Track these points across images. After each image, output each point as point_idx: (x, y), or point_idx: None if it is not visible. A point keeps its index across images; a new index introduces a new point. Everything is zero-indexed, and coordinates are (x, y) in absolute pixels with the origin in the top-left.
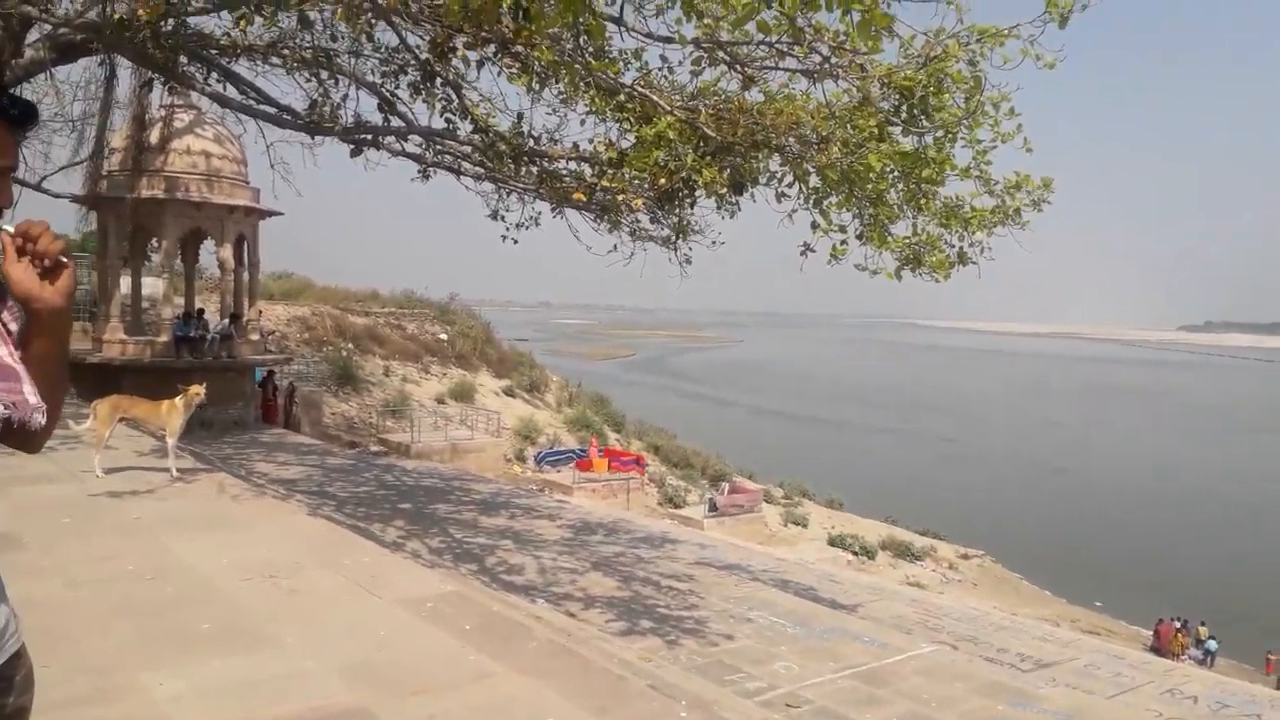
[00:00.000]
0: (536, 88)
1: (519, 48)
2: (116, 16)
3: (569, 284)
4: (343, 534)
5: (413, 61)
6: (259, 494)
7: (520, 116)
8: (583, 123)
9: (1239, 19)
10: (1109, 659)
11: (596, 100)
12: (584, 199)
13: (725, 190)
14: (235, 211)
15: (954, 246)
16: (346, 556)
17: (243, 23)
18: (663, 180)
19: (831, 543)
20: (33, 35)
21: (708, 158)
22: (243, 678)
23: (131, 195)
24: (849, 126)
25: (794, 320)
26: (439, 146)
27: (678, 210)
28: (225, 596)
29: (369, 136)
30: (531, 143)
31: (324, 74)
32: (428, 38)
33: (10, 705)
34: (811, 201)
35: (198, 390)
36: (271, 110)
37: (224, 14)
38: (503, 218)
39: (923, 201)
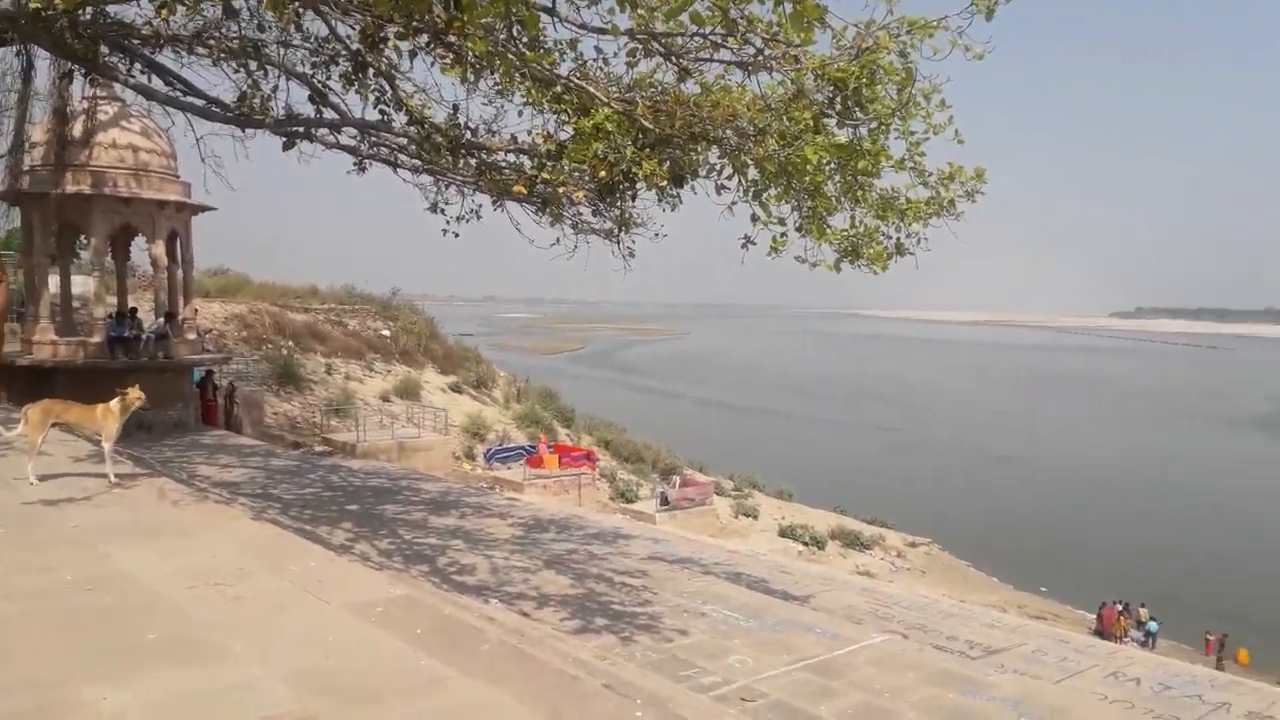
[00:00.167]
0: (471, 79)
1: (452, 38)
2: (32, 5)
3: (513, 278)
4: (288, 538)
5: (343, 52)
6: (201, 498)
7: (456, 108)
8: (520, 114)
9: (1163, 7)
10: (1055, 644)
11: (533, 92)
12: (524, 191)
13: (666, 183)
14: (166, 207)
15: (891, 238)
16: (293, 561)
17: (165, 11)
18: (603, 173)
19: (782, 533)
20: None
21: (647, 150)
22: (190, 689)
23: (56, 191)
24: (785, 118)
25: (737, 312)
26: (374, 138)
27: (619, 203)
28: (169, 605)
29: (301, 129)
30: (469, 134)
31: (252, 64)
32: (358, 27)
33: None
34: (751, 194)
35: (137, 395)
36: (199, 102)
37: (145, 2)
38: (442, 211)
39: (859, 193)
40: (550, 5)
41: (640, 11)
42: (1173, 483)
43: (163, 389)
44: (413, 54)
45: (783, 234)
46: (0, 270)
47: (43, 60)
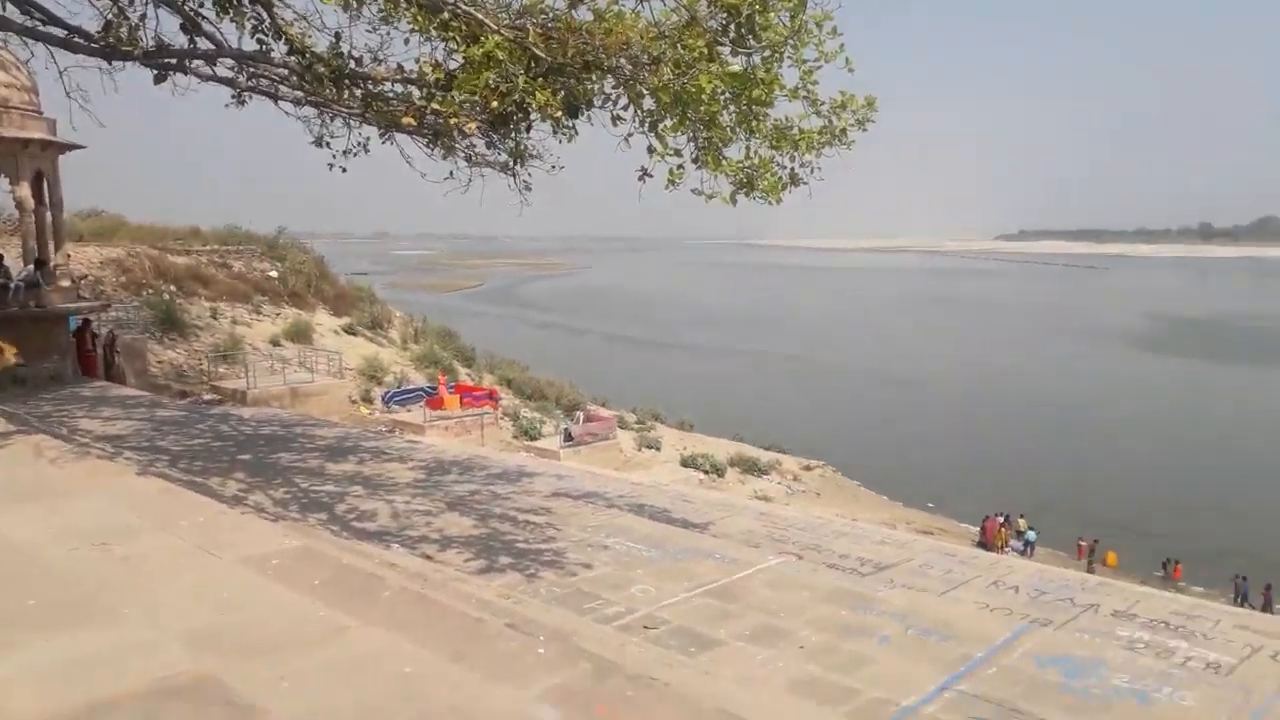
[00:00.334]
0: (354, 5)
1: None
2: None
3: (407, 213)
4: (178, 492)
5: None
6: (82, 454)
7: (338, 36)
8: (406, 42)
9: None
10: (941, 557)
11: (419, 18)
12: (414, 123)
13: (560, 114)
14: (30, 145)
15: (785, 168)
16: (183, 516)
17: None
18: (495, 103)
19: (684, 464)
20: None
21: (540, 80)
22: (78, 655)
23: None
24: (679, 46)
25: (638, 244)
26: (252, 70)
27: (514, 135)
28: (51, 569)
29: (173, 61)
30: (352, 64)
31: None
32: None
33: None
34: (647, 125)
35: (12, 355)
36: (60, 33)
37: None
38: (328, 144)
39: (754, 124)
40: None
41: None
42: (1050, 398)
43: (36, 340)
44: None
45: (679, 166)
46: None
47: None
